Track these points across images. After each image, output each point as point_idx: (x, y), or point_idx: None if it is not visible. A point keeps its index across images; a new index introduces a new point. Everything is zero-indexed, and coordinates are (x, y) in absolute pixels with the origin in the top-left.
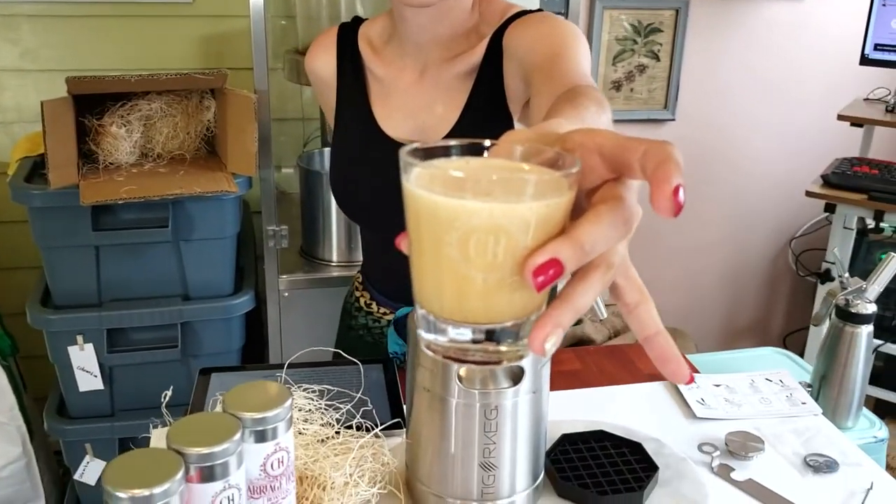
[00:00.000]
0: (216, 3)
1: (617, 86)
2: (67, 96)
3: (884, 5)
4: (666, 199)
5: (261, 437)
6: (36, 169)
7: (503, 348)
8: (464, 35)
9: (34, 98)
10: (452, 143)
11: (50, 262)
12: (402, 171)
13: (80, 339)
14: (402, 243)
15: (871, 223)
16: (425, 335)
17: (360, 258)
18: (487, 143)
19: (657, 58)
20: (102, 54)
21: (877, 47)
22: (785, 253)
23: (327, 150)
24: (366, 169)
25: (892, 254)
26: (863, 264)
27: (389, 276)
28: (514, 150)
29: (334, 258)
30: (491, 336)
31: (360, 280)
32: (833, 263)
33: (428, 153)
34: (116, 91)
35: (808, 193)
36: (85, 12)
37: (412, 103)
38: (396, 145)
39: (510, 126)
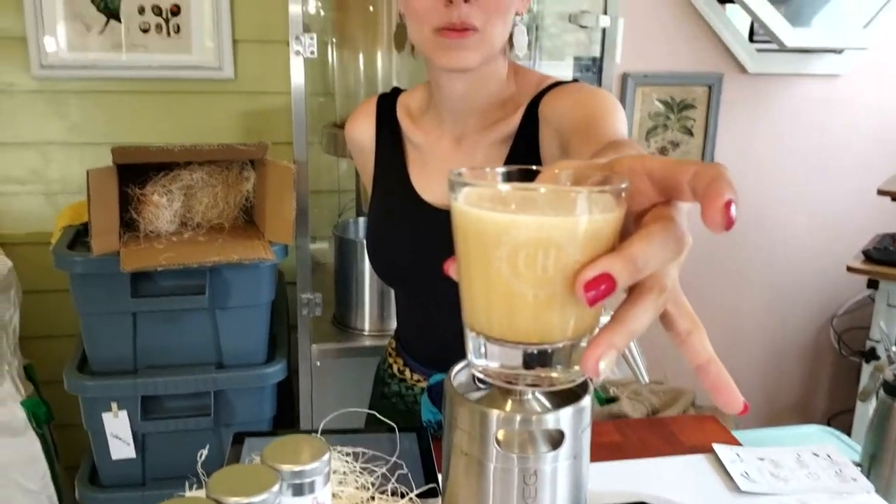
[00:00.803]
0: (258, 80)
1: None
2: (112, 165)
3: None
4: (718, 213)
5: (298, 490)
6: (78, 237)
7: (554, 374)
8: (500, 104)
9: (79, 170)
10: (501, 169)
11: (88, 329)
12: (451, 191)
13: (114, 405)
14: (451, 268)
15: None
16: (476, 361)
17: (393, 327)
18: (535, 168)
19: (691, 133)
20: (146, 128)
21: None
22: (826, 331)
23: (362, 219)
24: (402, 232)
25: None
26: None
27: (424, 341)
28: (561, 176)
29: (367, 327)
30: (542, 361)
31: (393, 346)
32: (878, 342)
33: (477, 176)
34: (160, 161)
35: (850, 269)
36: (131, 88)
37: (449, 169)
38: (433, 210)
39: None
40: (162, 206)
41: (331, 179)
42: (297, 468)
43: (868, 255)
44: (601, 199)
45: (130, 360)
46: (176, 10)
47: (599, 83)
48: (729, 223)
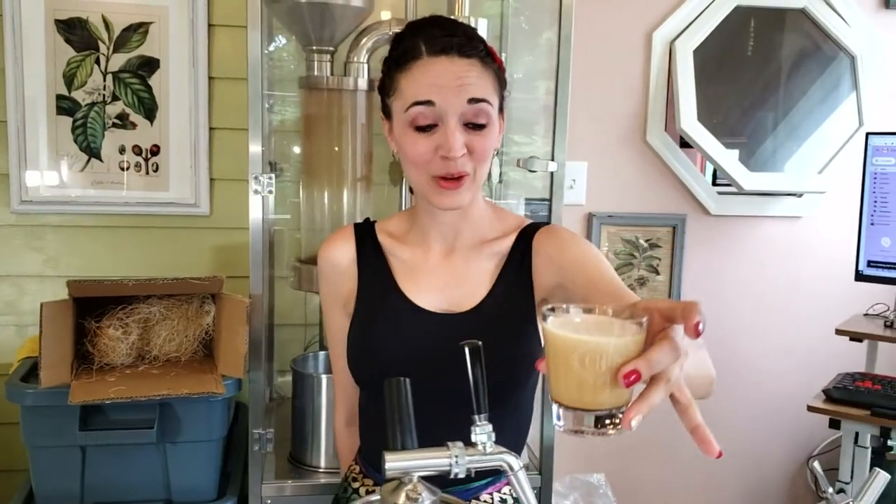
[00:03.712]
0: (232, 216)
1: None
2: (68, 298)
3: (872, 224)
4: (691, 330)
5: None
6: (35, 369)
7: (608, 431)
8: (488, 226)
9: None
10: (572, 305)
11: (36, 463)
12: (543, 319)
13: None
14: (541, 365)
15: (878, 441)
16: (558, 423)
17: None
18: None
19: (657, 272)
20: (121, 262)
21: (870, 264)
22: (803, 473)
23: (323, 353)
24: (394, 335)
25: (878, 470)
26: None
27: None
28: (608, 311)
29: (323, 464)
30: (597, 422)
31: (356, 471)
32: (847, 483)
33: (556, 310)
34: (115, 294)
35: (810, 408)
36: (108, 223)
37: (440, 279)
38: (426, 314)
39: (531, 306)
40: (117, 339)
41: (301, 314)
42: None
43: (828, 395)
44: (632, 327)
45: (78, 496)
46: (156, 150)
47: (549, 222)
48: (697, 334)
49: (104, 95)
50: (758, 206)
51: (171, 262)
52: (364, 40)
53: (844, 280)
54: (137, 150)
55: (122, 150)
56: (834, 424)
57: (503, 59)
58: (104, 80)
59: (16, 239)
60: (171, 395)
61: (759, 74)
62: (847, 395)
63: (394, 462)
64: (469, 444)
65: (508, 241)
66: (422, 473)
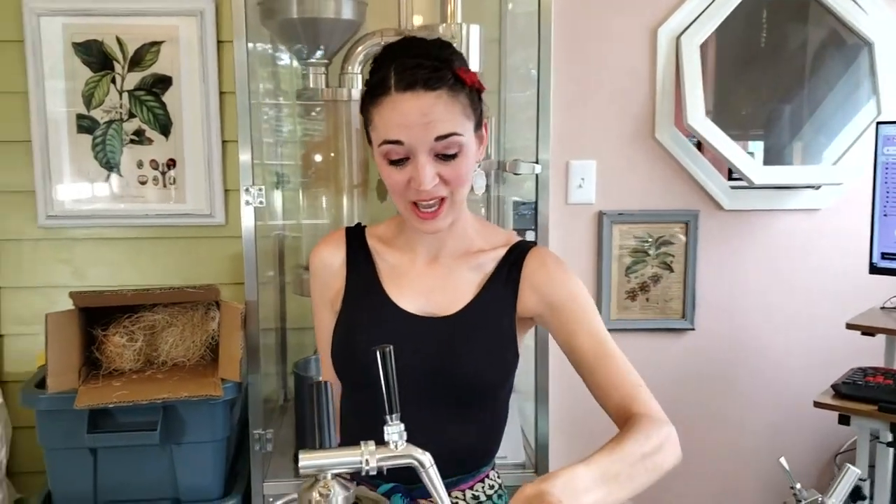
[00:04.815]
0: None
1: (632, 295)
2: (73, 309)
3: (885, 215)
4: None
5: None
6: None
7: None
8: (476, 237)
9: None
10: None
11: (51, 464)
12: None
13: None
14: None
15: (889, 437)
16: None
17: None
18: None
19: (671, 269)
20: (143, 272)
21: (884, 256)
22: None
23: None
24: (380, 337)
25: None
26: None
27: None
28: None
29: None
30: None
31: None
32: (864, 480)
33: None
34: (117, 304)
35: (817, 404)
36: (131, 235)
37: (425, 284)
38: (410, 316)
39: (512, 319)
40: (122, 346)
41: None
42: None
43: (837, 390)
44: None
45: (91, 496)
46: (172, 164)
47: (536, 223)
48: None
49: (121, 113)
50: (774, 199)
51: (190, 271)
52: (358, 50)
53: (863, 273)
54: (154, 164)
55: (139, 165)
56: (844, 420)
57: (500, 61)
58: (120, 99)
59: (44, 252)
60: (171, 399)
61: (775, 66)
62: (855, 390)
63: (307, 461)
64: (382, 443)
65: (496, 255)
66: (335, 471)
